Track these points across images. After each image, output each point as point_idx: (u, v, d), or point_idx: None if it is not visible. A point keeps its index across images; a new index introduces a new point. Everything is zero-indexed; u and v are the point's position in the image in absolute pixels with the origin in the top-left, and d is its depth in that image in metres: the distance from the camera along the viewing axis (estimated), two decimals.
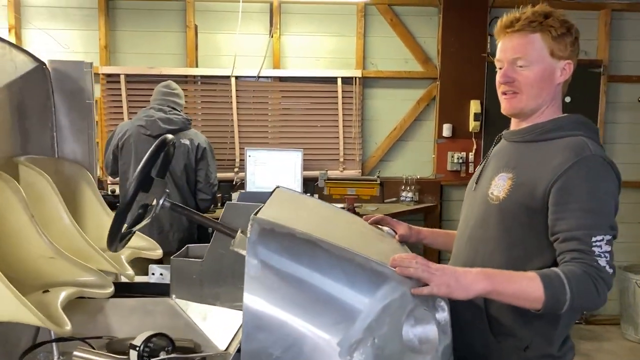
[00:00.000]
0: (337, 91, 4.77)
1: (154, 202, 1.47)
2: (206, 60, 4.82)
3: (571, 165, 1.43)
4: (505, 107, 1.62)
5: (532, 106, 1.57)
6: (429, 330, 1.37)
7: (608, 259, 1.39)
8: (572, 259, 1.40)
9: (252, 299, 1.22)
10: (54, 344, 1.44)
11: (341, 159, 4.86)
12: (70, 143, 2.16)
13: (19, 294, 1.30)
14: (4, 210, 1.57)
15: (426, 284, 1.33)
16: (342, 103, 4.80)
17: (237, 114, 4.78)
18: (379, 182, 4.74)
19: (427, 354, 1.32)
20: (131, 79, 4.70)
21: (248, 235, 1.26)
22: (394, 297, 1.29)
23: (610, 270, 1.40)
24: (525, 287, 1.38)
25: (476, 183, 1.75)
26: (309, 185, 4.60)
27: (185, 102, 4.72)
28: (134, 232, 1.51)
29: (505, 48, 1.57)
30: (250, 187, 4.56)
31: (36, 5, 4.75)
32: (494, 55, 1.65)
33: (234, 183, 4.74)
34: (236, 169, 4.76)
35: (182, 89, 4.68)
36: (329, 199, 4.59)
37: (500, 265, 1.52)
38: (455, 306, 1.45)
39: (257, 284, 1.23)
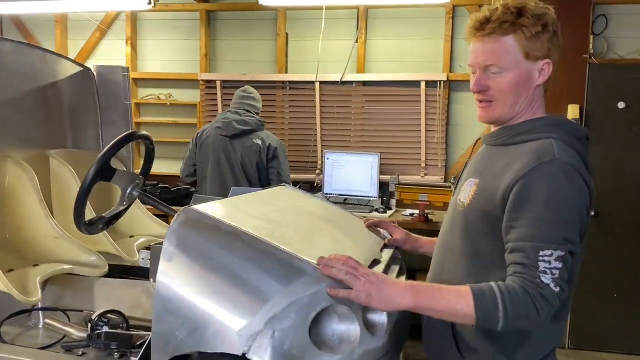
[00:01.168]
0: (420, 95, 4.69)
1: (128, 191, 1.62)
2: (295, 67, 5.01)
3: (530, 170, 1.31)
4: (480, 115, 1.51)
5: (509, 113, 1.45)
6: (351, 331, 1.35)
7: (556, 276, 1.26)
8: (514, 273, 1.30)
9: (164, 283, 1.31)
10: (40, 312, 1.64)
11: (423, 164, 4.75)
12: (111, 139, 2.42)
13: None
14: (20, 194, 1.83)
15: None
16: (426, 107, 4.70)
17: (321, 118, 4.90)
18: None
19: (339, 354, 1.30)
20: (226, 84, 5.03)
21: (171, 223, 1.35)
22: (305, 293, 1.29)
23: (556, 289, 1.26)
24: (454, 304, 1.30)
25: (455, 188, 1.67)
26: (385, 190, 4.57)
27: (274, 106, 4.98)
28: (112, 220, 1.66)
29: (477, 53, 1.44)
30: (327, 189, 4.65)
31: (150, 19, 5.30)
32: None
33: (315, 185, 4.86)
34: (317, 171, 4.88)
35: (271, 95, 4.94)
36: (400, 204, 4.53)
37: (462, 276, 1.45)
38: (429, 320, 1.44)
39: (170, 269, 1.32)
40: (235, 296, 1.29)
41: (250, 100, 4.14)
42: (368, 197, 4.56)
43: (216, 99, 5.08)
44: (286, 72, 5.01)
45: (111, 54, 5.37)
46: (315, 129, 4.92)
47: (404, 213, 4.36)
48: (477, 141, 1.26)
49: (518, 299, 1.26)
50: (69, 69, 2.29)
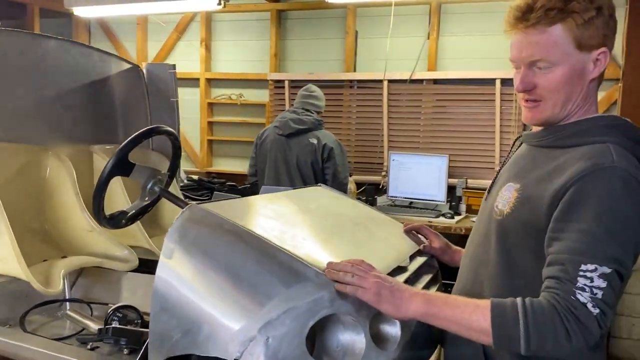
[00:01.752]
0: (494, 94, 4.43)
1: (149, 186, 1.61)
2: (363, 65, 4.91)
3: (583, 176, 1.14)
4: (526, 116, 1.32)
5: (560, 113, 1.27)
6: (356, 342, 1.25)
7: (596, 295, 1.08)
8: (546, 288, 1.13)
9: (161, 282, 1.27)
10: (66, 303, 1.67)
11: (496, 168, 4.48)
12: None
13: (21, 255, 1.55)
14: (58, 187, 1.88)
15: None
16: (501, 106, 4.43)
17: (388, 117, 4.76)
18: None
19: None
20: (294, 84, 5.02)
21: (175, 220, 1.31)
22: (304, 300, 1.20)
23: (594, 310, 1.08)
24: (468, 314, 1.16)
25: (488, 192, 1.51)
26: (454, 194, 4.35)
27: (341, 105, 4.91)
28: (137, 216, 1.66)
29: (520, 47, 1.26)
30: (392, 192, 4.50)
31: (223, 20, 5.41)
32: None
33: (380, 187, 4.73)
34: (383, 173, 4.75)
35: (338, 94, 4.88)
36: (469, 209, 4.29)
37: (501, 294, 1.25)
38: (456, 341, 1.31)
39: (168, 267, 1.28)
40: (230, 298, 1.23)
41: (311, 99, 4.09)
42: (435, 201, 4.36)
43: (284, 99, 5.08)
44: (354, 71, 4.93)
45: (187, 55, 5.53)
46: (382, 129, 4.79)
47: (473, 219, 4.13)
48: (515, 140, 1.14)
49: (544, 316, 1.09)
50: (119, 66, 2.35)
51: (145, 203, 1.65)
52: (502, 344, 1.13)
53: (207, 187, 4.52)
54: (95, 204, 1.51)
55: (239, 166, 5.23)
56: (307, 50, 5.13)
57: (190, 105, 5.41)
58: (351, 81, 4.91)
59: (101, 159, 2.10)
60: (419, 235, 1.81)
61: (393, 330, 1.33)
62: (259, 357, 1.16)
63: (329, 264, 1.27)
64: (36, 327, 1.65)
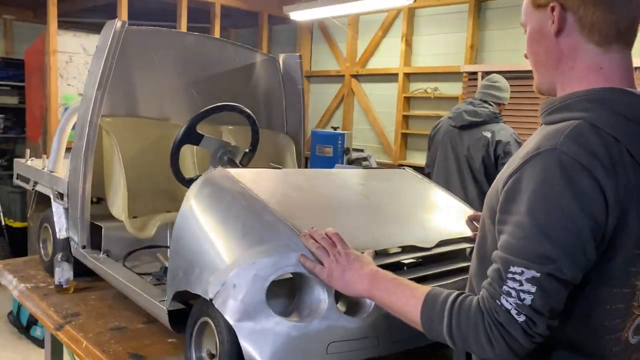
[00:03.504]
0: None
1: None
2: None
3: (524, 162, 1.02)
4: None
5: (540, 80, 1.17)
6: (320, 302, 1.33)
7: (524, 302, 0.95)
8: (483, 287, 1.04)
9: (177, 228, 1.52)
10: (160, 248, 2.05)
11: None
12: (291, 119, 2.74)
13: (126, 206, 1.97)
14: (183, 156, 2.27)
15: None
16: None
17: None
18: None
19: (293, 321, 1.29)
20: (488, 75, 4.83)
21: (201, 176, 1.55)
22: (272, 256, 1.31)
23: (520, 319, 0.95)
24: (403, 304, 1.13)
25: None
26: None
27: (537, 97, 4.56)
28: None
29: None
30: None
31: (423, 15, 5.48)
32: None
33: None
34: None
35: (531, 85, 4.55)
36: None
37: (471, 276, 1.22)
38: None
39: (183, 217, 1.51)
40: (217, 247, 1.40)
41: (492, 89, 3.90)
42: None
43: (476, 91, 4.92)
44: None
45: (389, 51, 5.75)
46: None
47: None
48: None
49: (468, 318, 1.01)
50: (258, 57, 2.68)
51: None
52: (433, 338, 1.08)
53: None
54: (173, 168, 1.84)
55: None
56: (507, 40, 4.88)
57: (387, 100, 5.62)
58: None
59: (229, 137, 2.45)
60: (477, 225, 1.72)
61: (368, 302, 1.35)
62: (225, 300, 1.31)
63: (310, 229, 1.35)
64: (136, 264, 2.06)
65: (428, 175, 4.11)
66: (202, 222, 1.47)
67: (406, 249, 1.50)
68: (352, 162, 4.76)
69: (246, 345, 1.26)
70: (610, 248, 0.99)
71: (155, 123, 2.37)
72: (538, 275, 0.95)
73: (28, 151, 2.82)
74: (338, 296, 1.35)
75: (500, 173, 1.15)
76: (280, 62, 2.72)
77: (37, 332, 4.20)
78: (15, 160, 2.79)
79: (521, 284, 0.96)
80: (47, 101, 4.95)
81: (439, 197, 1.91)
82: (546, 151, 0.99)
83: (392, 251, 1.48)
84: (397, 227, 1.59)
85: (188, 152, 2.30)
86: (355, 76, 6.17)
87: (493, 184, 1.16)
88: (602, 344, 1.04)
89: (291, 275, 1.36)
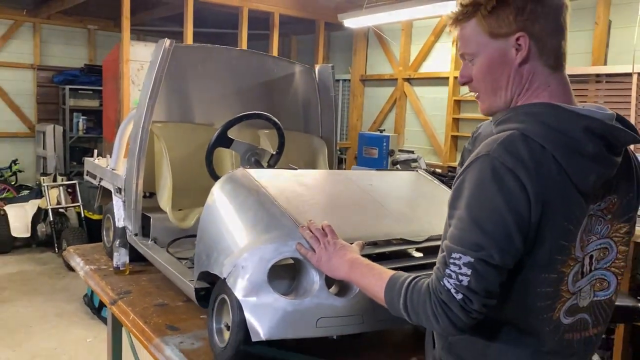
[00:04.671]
0: None
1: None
2: (616, 58, 4.45)
3: (467, 166, 1.19)
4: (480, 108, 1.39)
5: (497, 102, 1.27)
6: (313, 283, 1.56)
7: (462, 283, 1.12)
8: (433, 272, 1.22)
9: (202, 219, 1.80)
10: None
11: None
12: (326, 124, 2.98)
13: (170, 199, 2.28)
14: (221, 157, 2.57)
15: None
16: None
17: (636, 114, 4.22)
18: None
19: (289, 297, 1.53)
20: None
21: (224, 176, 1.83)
22: (275, 243, 1.57)
23: (457, 296, 1.13)
24: (372, 285, 1.33)
25: None
26: None
27: (584, 102, 4.57)
28: None
29: (458, 42, 1.33)
30: None
31: None
32: None
33: None
34: None
35: (582, 89, 4.57)
36: None
37: None
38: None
39: (207, 209, 1.79)
40: (231, 235, 1.67)
41: None
42: None
43: None
44: (604, 64, 4.50)
45: (441, 55, 5.87)
46: None
47: None
48: None
49: (418, 296, 1.19)
50: (295, 68, 2.94)
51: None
52: (394, 313, 1.28)
53: (439, 179, 4.82)
54: (208, 166, 2.13)
55: None
56: None
57: (438, 103, 5.74)
58: (598, 75, 4.50)
59: (265, 141, 2.73)
60: None
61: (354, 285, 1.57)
62: (236, 278, 1.58)
63: (308, 222, 1.59)
64: (178, 250, 2.36)
65: None
66: (221, 213, 1.75)
67: (395, 242, 1.70)
68: (397, 164, 4.92)
69: (249, 317, 1.52)
70: (538, 238, 1.15)
71: (200, 128, 2.68)
72: (472, 260, 1.12)
73: (95, 151, 3.22)
74: (331, 281, 1.58)
75: None
76: (316, 72, 2.97)
77: (106, 313, 4.67)
78: (85, 159, 3.20)
79: (460, 268, 1.13)
80: (120, 105, 5.46)
81: (444, 197, 2.08)
82: (483, 156, 1.15)
83: (380, 243, 1.69)
84: (392, 223, 1.80)
85: (227, 155, 2.60)
86: (407, 80, 6.33)
87: None
88: (537, 323, 1.21)
89: (293, 261, 1.60)
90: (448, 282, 1.14)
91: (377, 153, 5.24)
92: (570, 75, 3.94)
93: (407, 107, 6.39)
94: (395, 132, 6.23)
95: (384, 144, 5.24)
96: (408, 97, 6.33)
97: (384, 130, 5.89)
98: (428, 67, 6.07)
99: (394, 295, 1.26)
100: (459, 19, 1.28)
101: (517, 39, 1.20)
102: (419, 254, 1.79)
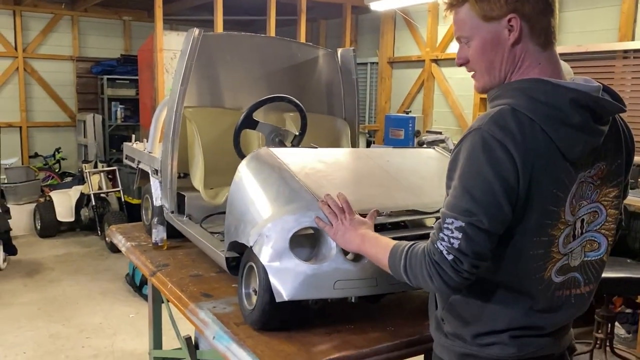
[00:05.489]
0: None
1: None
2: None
3: (461, 139, 1.30)
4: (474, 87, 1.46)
5: (491, 81, 1.36)
6: (330, 250, 1.71)
7: (453, 245, 1.23)
8: (430, 236, 1.33)
9: (231, 194, 1.96)
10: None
11: None
12: (349, 107, 3.10)
13: (203, 178, 2.46)
14: (249, 138, 2.73)
15: None
16: None
17: None
18: None
19: (309, 263, 1.68)
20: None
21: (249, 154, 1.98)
22: (295, 214, 1.71)
23: (449, 257, 1.24)
24: (378, 254, 1.46)
25: None
26: None
27: (612, 78, 4.58)
28: None
29: (453, 26, 1.42)
30: None
31: None
32: None
33: None
34: None
35: (609, 66, 4.56)
36: None
37: None
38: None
39: (235, 185, 1.95)
40: (256, 207, 1.83)
41: None
42: None
43: None
44: (632, 39, 4.47)
45: None
46: None
47: None
48: None
49: (416, 259, 1.31)
50: (319, 52, 3.07)
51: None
52: (397, 277, 1.40)
53: None
54: (235, 147, 2.28)
55: None
56: (575, 22, 4.87)
57: (465, 83, 5.77)
58: (625, 51, 4.48)
59: (290, 123, 2.87)
60: None
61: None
62: (261, 246, 1.74)
63: (326, 196, 1.73)
64: (210, 225, 2.54)
65: None
66: (247, 188, 1.91)
67: (408, 213, 1.83)
68: (423, 144, 5.01)
69: (273, 280, 1.67)
70: (528, 205, 1.26)
71: (229, 112, 2.85)
72: (463, 224, 1.23)
73: (133, 136, 3.43)
74: None
75: None
76: (338, 56, 3.09)
77: (147, 290, 4.93)
78: (124, 143, 3.42)
79: (452, 232, 1.24)
80: (155, 93, 5.68)
81: None
82: (475, 130, 1.26)
83: (393, 213, 1.82)
84: (405, 195, 1.92)
85: (254, 136, 2.76)
86: (435, 61, 6.36)
87: None
88: (529, 283, 1.33)
89: (312, 231, 1.74)
90: (441, 244, 1.25)
91: (403, 134, 5.34)
92: (596, 52, 4.03)
93: (434, 88, 6.43)
94: (423, 113, 6.29)
95: (410, 125, 5.32)
96: (435, 78, 6.38)
97: (411, 111, 5.96)
98: (455, 48, 6.07)
99: (395, 262, 1.39)
100: (453, 3, 1.37)
101: (509, 21, 1.28)
102: (432, 224, 1.92)
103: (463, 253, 1.24)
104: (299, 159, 1.98)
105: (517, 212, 1.26)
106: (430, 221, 1.93)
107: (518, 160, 1.21)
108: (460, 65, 1.42)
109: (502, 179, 1.22)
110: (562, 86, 1.27)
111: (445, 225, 1.26)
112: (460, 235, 1.23)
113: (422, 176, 2.10)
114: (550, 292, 1.35)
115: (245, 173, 1.94)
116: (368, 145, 6.12)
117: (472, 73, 1.40)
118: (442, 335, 1.46)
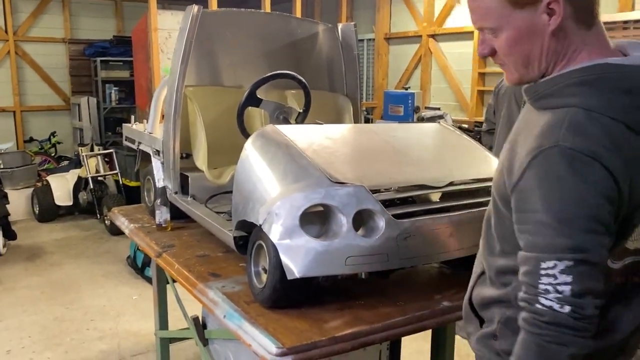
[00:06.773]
0: None
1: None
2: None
3: (530, 162, 1.06)
4: (505, 78, 1.25)
5: (529, 74, 1.15)
6: (342, 226, 1.69)
7: (563, 293, 1.01)
8: (520, 300, 1.08)
9: (237, 173, 1.94)
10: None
11: None
12: (351, 83, 3.07)
13: (206, 158, 2.43)
14: (252, 116, 2.70)
15: None
16: None
17: None
18: None
19: (321, 239, 1.67)
20: None
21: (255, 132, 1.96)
22: (304, 191, 1.70)
23: (564, 310, 1.00)
24: None
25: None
26: None
27: None
28: None
29: (470, 14, 1.19)
30: None
31: None
32: None
33: None
34: None
35: (609, 36, 4.52)
36: None
37: (479, 254, 1.34)
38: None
39: (241, 164, 1.93)
40: (264, 185, 1.81)
41: None
42: None
43: None
44: (632, 9, 4.43)
45: (465, 9, 5.81)
46: None
47: None
48: None
49: (530, 351, 1.06)
50: (319, 28, 3.02)
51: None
52: None
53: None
54: (239, 125, 2.26)
55: None
56: None
57: (463, 58, 5.73)
58: (625, 22, 4.44)
59: (292, 100, 2.84)
60: None
61: (380, 224, 1.70)
62: (270, 224, 1.72)
63: None
64: (215, 205, 2.53)
65: (489, 131, 4.23)
66: (254, 166, 1.89)
67: (416, 187, 1.81)
68: (422, 120, 4.99)
69: (284, 258, 1.66)
70: (630, 223, 1.07)
71: (231, 90, 2.81)
72: (571, 263, 1.00)
73: (133, 117, 3.39)
74: (358, 224, 1.71)
75: (503, 157, 1.19)
76: (339, 31, 3.05)
77: (149, 272, 4.94)
78: (124, 125, 3.38)
79: (555, 278, 1.00)
80: (151, 73, 5.62)
81: (465, 146, 2.18)
82: (549, 148, 1.02)
83: (402, 188, 1.80)
84: (414, 170, 1.91)
85: (257, 114, 2.73)
86: (432, 36, 6.31)
87: (498, 164, 1.22)
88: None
89: (322, 208, 1.73)
90: (546, 299, 1.02)
91: (403, 110, 5.31)
92: None
93: (432, 64, 6.39)
94: (421, 89, 6.26)
95: (409, 101, 5.30)
96: (433, 54, 6.32)
97: (409, 87, 5.93)
98: (453, 22, 6.03)
99: None
100: None
101: (549, 4, 1.07)
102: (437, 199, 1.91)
103: (580, 296, 1.01)
104: (305, 136, 1.96)
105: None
106: (435, 196, 1.92)
107: (615, 172, 1.02)
108: (485, 56, 1.21)
109: (605, 199, 1.02)
110: (628, 66, 1.06)
111: (543, 272, 1.02)
112: (569, 279, 1.01)
113: (430, 150, 2.09)
114: (609, 279, 1.14)
115: (251, 151, 1.92)
116: (366, 122, 6.09)
117: (501, 66, 1.21)
118: (493, 354, 1.25)
